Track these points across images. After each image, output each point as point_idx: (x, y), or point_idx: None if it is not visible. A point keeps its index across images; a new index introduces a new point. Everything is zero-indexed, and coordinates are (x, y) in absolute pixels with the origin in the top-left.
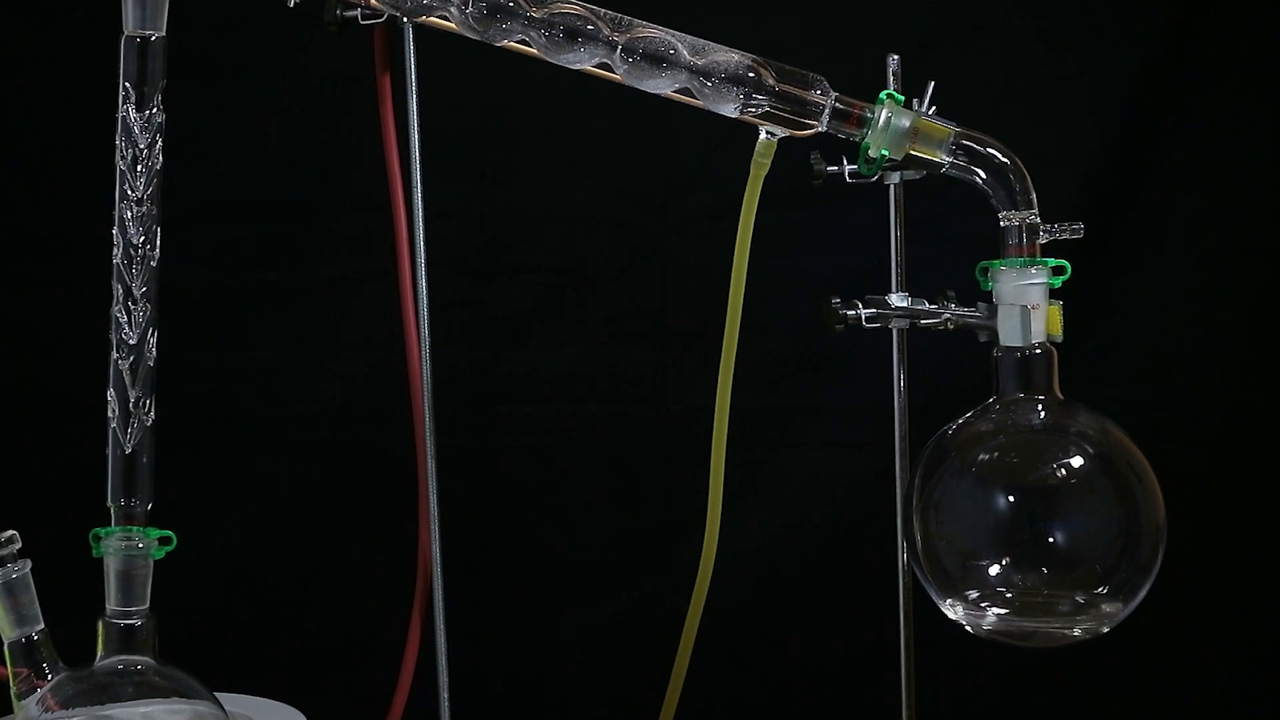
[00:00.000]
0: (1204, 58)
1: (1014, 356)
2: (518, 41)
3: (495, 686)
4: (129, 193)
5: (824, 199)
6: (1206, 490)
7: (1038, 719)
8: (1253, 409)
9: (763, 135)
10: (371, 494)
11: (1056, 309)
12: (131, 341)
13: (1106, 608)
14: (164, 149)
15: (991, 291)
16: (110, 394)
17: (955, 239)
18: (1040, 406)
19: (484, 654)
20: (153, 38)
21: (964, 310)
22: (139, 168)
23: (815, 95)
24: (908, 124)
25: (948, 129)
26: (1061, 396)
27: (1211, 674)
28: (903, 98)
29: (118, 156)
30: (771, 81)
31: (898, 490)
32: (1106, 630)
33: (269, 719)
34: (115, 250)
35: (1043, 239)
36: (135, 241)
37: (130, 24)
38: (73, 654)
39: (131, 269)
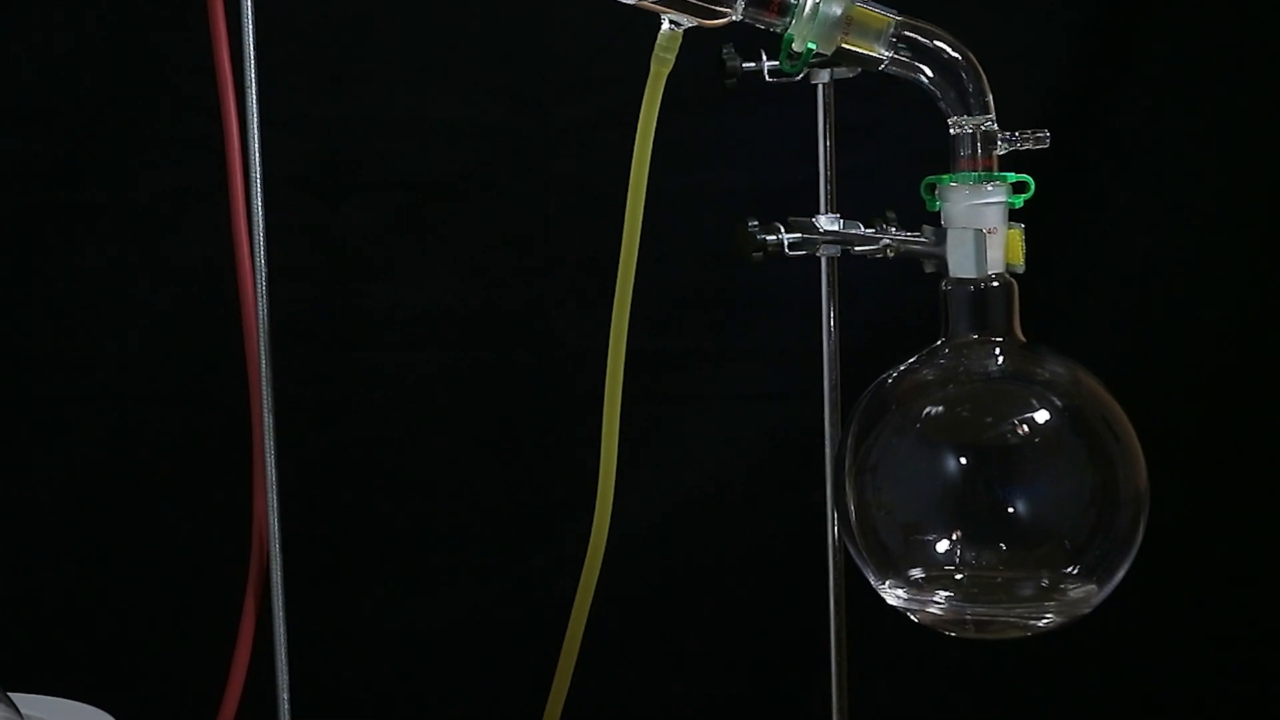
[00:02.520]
0: None
1: (966, 290)
2: None
3: (345, 685)
4: None
5: (739, 102)
6: (1195, 451)
7: None
8: (1250, 354)
9: (665, 25)
10: (197, 455)
11: (1017, 233)
12: None
13: (1077, 591)
14: None
15: (940, 212)
16: None
17: (896, 150)
18: (998, 350)
19: (332, 647)
20: None
21: (906, 235)
22: None
23: None
24: (839, 11)
25: (887, 17)
26: (1023, 338)
27: (1201, 670)
28: None
29: None
30: None
31: (827, 451)
32: (1077, 618)
33: None
34: None
35: (1001, 150)
36: None
37: None
38: None
39: None
